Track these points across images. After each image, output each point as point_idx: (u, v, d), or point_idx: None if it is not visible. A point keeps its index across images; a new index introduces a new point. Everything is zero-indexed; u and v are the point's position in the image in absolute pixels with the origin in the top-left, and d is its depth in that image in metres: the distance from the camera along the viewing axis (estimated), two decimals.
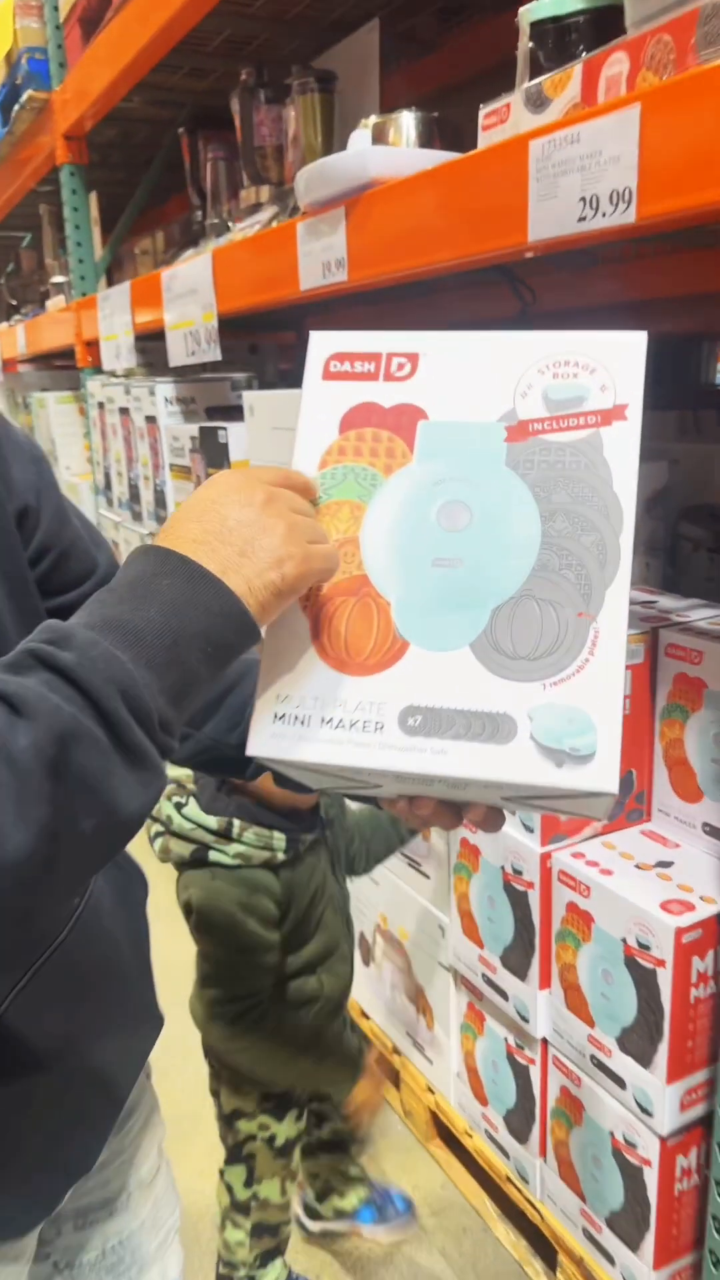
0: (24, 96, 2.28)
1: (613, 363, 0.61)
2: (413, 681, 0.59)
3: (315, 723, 0.60)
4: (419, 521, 0.61)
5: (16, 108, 2.35)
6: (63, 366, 3.15)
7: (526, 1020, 1.10)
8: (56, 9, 2.16)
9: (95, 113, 2.10)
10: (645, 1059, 0.95)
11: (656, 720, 1.05)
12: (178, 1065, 1.10)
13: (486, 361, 0.64)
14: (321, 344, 0.67)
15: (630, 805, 1.06)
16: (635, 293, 1.55)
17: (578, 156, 0.82)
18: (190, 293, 1.61)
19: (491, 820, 0.60)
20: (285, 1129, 1.12)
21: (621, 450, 0.59)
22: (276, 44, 1.89)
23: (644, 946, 0.93)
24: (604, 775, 0.55)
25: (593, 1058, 1.02)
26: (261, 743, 0.60)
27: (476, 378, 0.63)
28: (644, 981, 0.93)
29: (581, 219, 0.83)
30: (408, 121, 1.18)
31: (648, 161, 0.76)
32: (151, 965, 0.69)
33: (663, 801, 1.06)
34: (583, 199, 0.82)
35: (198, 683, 0.50)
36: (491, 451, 0.61)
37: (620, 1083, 0.99)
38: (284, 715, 0.61)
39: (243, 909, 0.98)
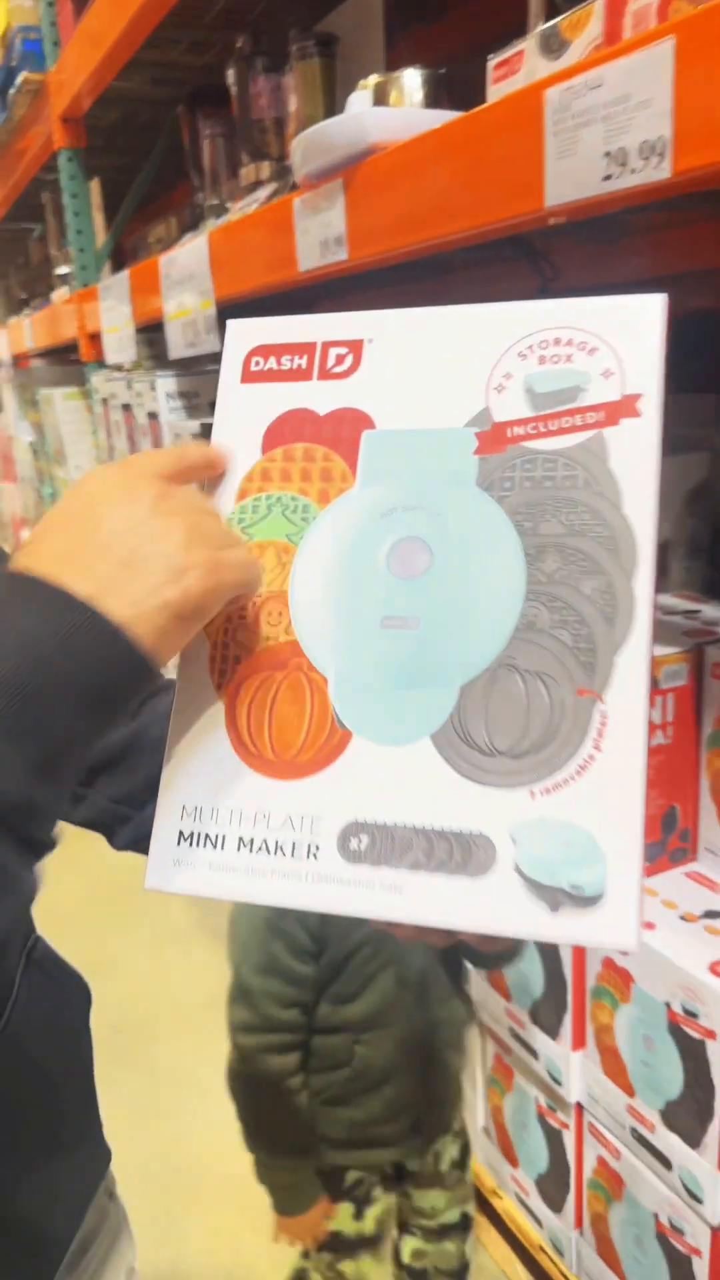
0: (19, 79, 2.18)
1: (619, 339, 0.46)
2: (357, 788, 0.45)
3: (231, 845, 0.46)
4: (364, 566, 0.47)
5: (12, 91, 2.25)
6: (74, 360, 3.06)
7: (559, 1083, 0.99)
8: None
9: (91, 91, 1.99)
10: (693, 1139, 0.84)
11: (702, 749, 0.93)
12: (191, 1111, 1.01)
13: (450, 346, 0.48)
14: (239, 335, 0.52)
15: (674, 844, 0.95)
16: (667, 266, 1.42)
17: (601, 104, 0.70)
18: (188, 279, 1.50)
19: (495, 939, 0.46)
20: (337, 1220, 0.98)
21: (634, 458, 0.44)
22: (278, 12, 1.77)
23: (690, 1014, 0.81)
24: (617, 925, 0.41)
25: (633, 1130, 0.90)
26: (163, 872, 0.47)
27: (437, 369, 0.48)
28: (691, 1053, 0.82)
29: (607, 177, 0.71)
30: (412, 80, 1.06)
31: (684, 105, 0.64)
32: (95, 1093, 0.59)
33: (710, 840, 0.94)
34: (608, 154, 0.70)
35: (73, 744, 0.38)
36: (458, 468, 0.46)
37: (665, 1162, 0.87)
38: (191, 835, 0.47)
39: (269, 929, 0.89)
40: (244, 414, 0.51)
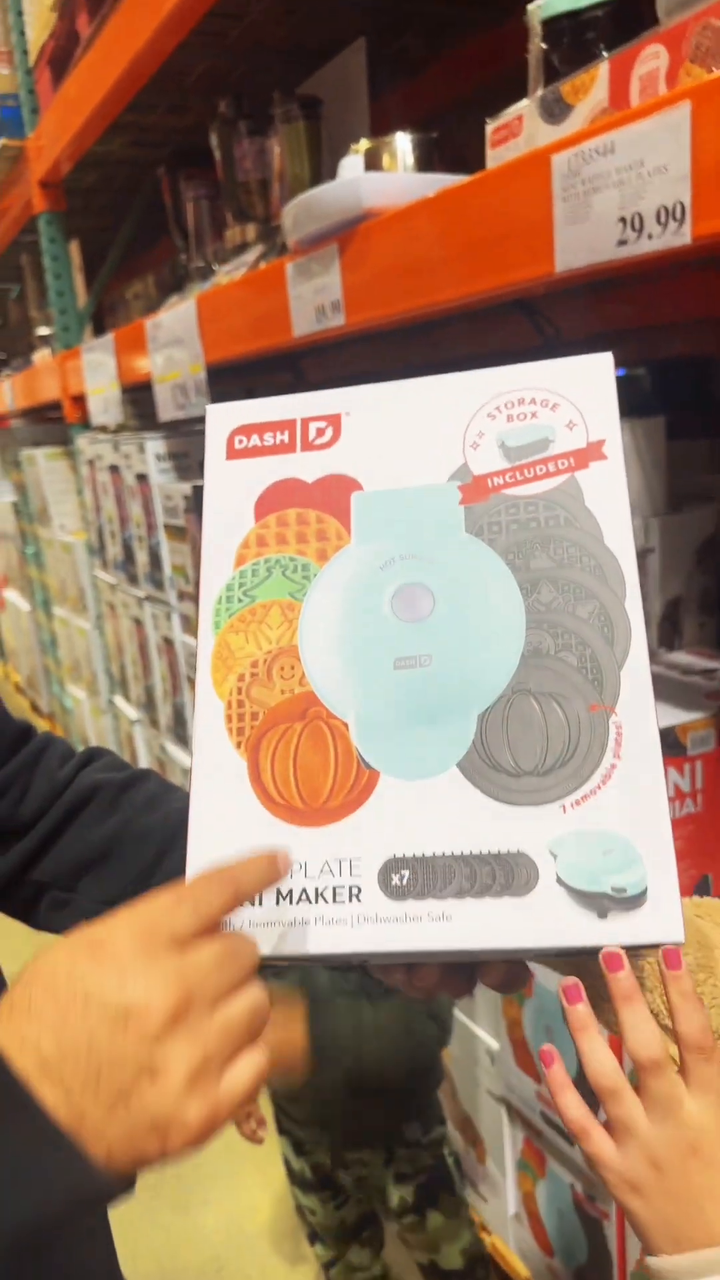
0: None
1: (577, 394, 0.51)
2: (391, 824, 0.46)
3: (269, 899, 0.46)
4: (370, 614, 0.50)
5: None
6: (56, 419, 3.04)
7: None
8: (26, 53, 2.07)
9: (71, 156, 2.00)
10: None
11: None
12: None
13: (424, 413, 0.52)
14: (220, 418, 0.55)
15: None
16: (661, 315, 1.42)
17: (614, 169, 0.69)
18: (175, 342, 1.49)
19: (514, 981, 0.49)
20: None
21: (607, 496, 0.49)
22: (257, 76, 1.78)
23: None
24: (665, 919, 0.43)
25: None
26: None
27: (415, 433, 0.52)
28: None
29: (622, 242, 0.69)
30: (404, 144, 1.06)
31: (702, 170, 0.63)
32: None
33: None
34: (622, 219, 0.69)
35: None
36: (446, 518, 0.50)
37: None
38: None
39: None
40: (233, 487, 0.54)
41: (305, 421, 0.54)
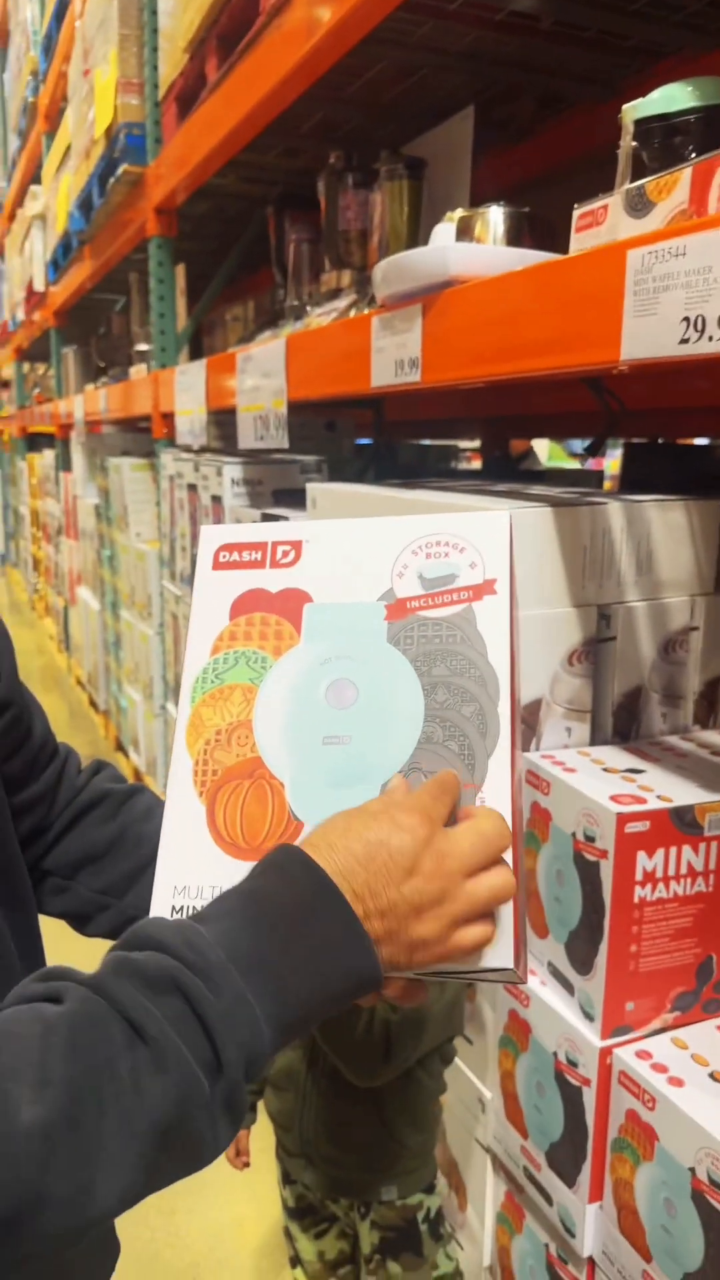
0: (119, 170, 2.29)
1: (480, 541, 0.64)
2: None
3: None
4: (308, 701, 0.62)
5: (112, 180, 2.37)
6: (145, 429, 3.15)
7: (572, 1234, 0.95)
8: (156, 86, 2.17)
9: (187, 187, 2.09)
10: None
11: None
12: None
13: (364, 545, 0.66)
14: (210, 537, 0.69)
15: (708, 995, 0.92)
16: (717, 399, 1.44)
17: (682, 271, 0.72)
18: (263, 376, 1.55)
19: (412, 993, 0.57)
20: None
21: (493, 623, 0.61)
22: (369, 129, 1.85)
23: (716, 1184, 0.78)
24: (500, 952, 0.55)
25: None
26: None
27: (356, 561, 0.66)
28: (714, 1225, 0.79)
29: (684, 341, 0.72)
30: (496, 217, 1.10)
31: None
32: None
33: None
34: (686, 319, 0.72)
35: (303, 1035, 0.52)
36: (373, 630, 0.63)
37: None
38: (182, 908, 0.59)
39: None
40: (215, 592, 0.67)
41: (274, 544, 0.67)
